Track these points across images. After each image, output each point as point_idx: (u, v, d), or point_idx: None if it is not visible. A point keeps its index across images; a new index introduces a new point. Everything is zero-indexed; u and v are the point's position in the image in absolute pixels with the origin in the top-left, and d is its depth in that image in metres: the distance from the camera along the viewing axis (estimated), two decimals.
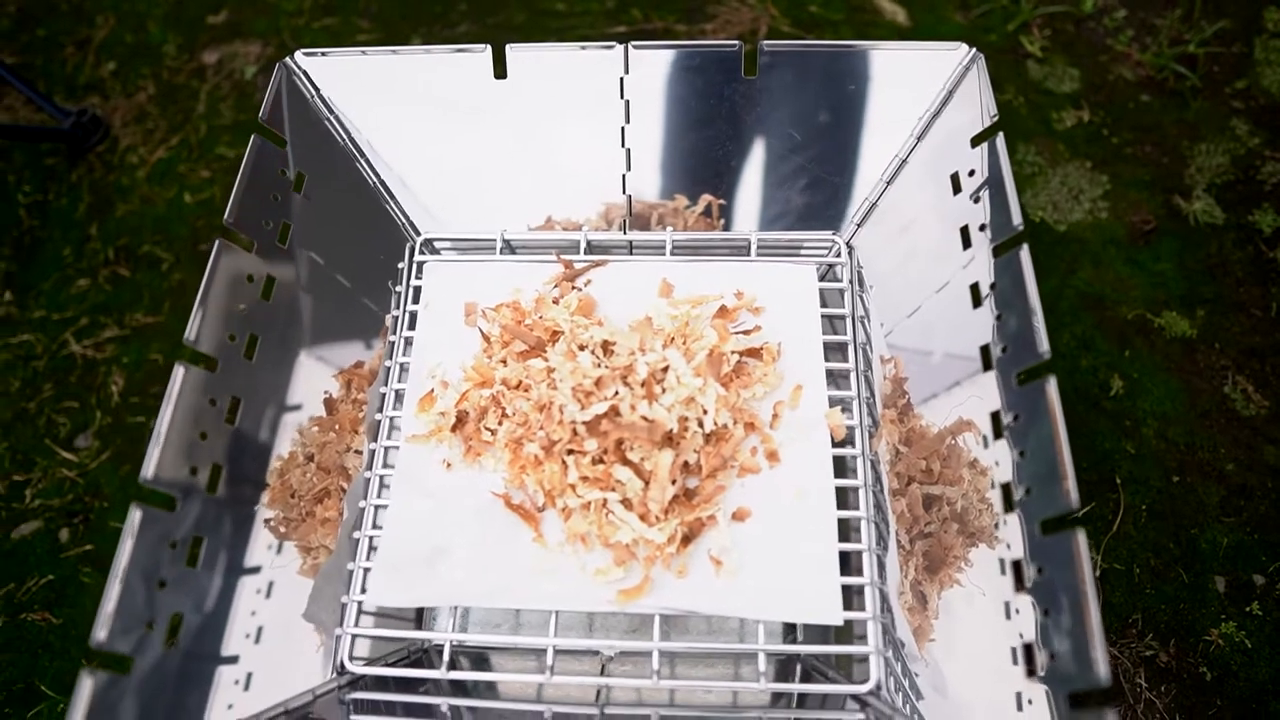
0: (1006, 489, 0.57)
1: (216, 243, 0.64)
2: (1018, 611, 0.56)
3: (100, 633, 0.51)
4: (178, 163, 1.16)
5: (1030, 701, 0.51)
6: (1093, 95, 1.08)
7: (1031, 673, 0.51)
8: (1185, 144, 1.04)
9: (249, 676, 0.61)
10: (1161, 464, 0.86)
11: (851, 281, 0.73)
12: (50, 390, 1.01)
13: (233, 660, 0.61)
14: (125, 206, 1.13)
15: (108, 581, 0.53)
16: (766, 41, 0.68)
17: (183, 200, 1.13)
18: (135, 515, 0.55)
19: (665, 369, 0.65)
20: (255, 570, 0.65)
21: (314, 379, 0.75)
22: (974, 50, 0.69)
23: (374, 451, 0.69)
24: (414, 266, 0.74)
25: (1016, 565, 0.54)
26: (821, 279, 0.74)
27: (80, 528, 0.92)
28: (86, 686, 0.50)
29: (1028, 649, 0.51)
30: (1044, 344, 0.55)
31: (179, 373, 0.59)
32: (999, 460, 0.60)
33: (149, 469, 0.56)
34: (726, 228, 0.80)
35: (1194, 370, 0.90)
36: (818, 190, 0.77)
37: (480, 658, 0.70)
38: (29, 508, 0.94)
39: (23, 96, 1.22)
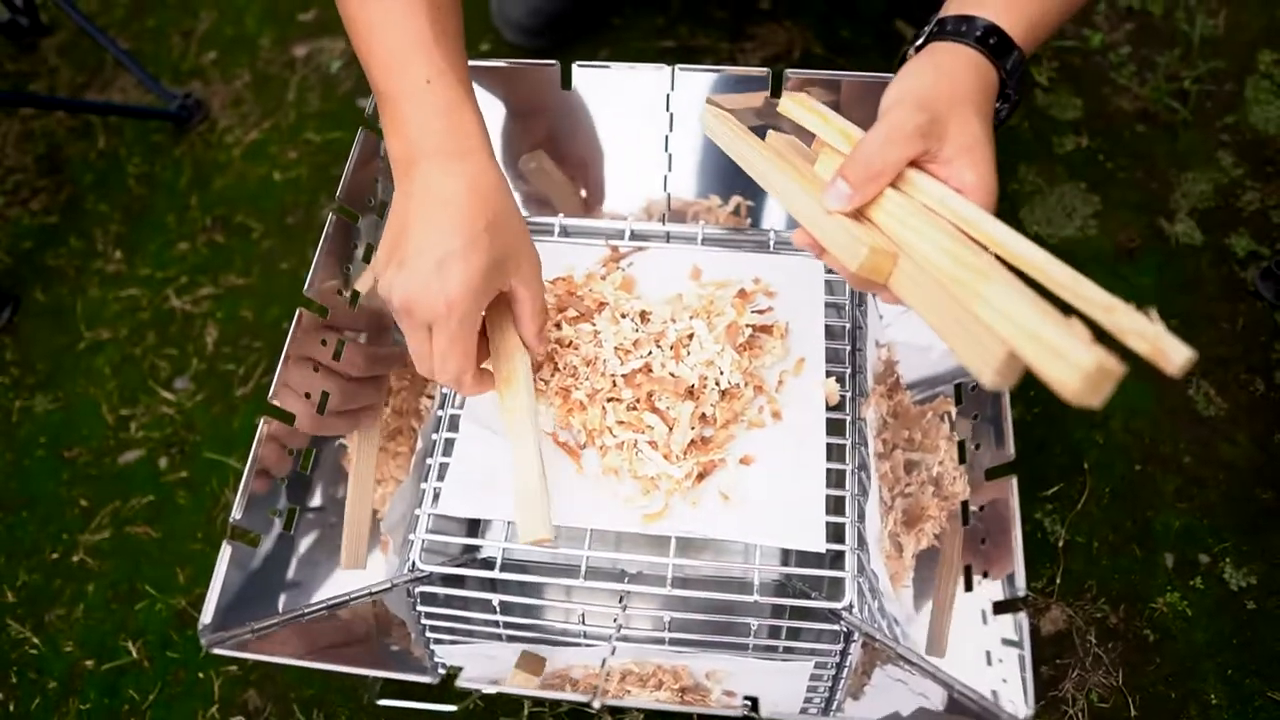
0: (962, 445, 0.65)
1: (331, 214, 0.73)
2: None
3: (237, 513, 0.61)
4: (269, 144, 1.28)
5: (1001, 660, 0.56)
6: (1092, 123, 1.17)
7: (970, 588, 0.62)
8: (1173, 171, 1.12)
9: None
10: (1126, 454, 0.94)
11: None
12: (153, 339, 1.12)
13: (296, 585, 0.67)
14: (222, 181, 1.24)
15: (245, 475, 0.62)
16: (790, 70, 0.75)
17: (273, 178, 1.24)
18: (262, 426, 0.64)
19: (691, 336, 0.73)
20: (320, 509, 0.71)
21: None
22: None
23: (445, 395, 0.79)
24: None
25: (965, 505, 0.64)
26: (828, 272, 0.80)
27: (177, 457, 1.04)
28: (227, 552, 0.60)
29: (967, 569, 0.63)
30: None
31: (300, 315, 0.68)
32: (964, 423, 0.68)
33: (275, 388, 0.65)
34: (753, 225, 0.86)
35: (1163, 373, 1.00)
36: None
37: (523, 567, 0.77)
38: (134, 437, 1.05)
39: (134, 79, 1.35)
